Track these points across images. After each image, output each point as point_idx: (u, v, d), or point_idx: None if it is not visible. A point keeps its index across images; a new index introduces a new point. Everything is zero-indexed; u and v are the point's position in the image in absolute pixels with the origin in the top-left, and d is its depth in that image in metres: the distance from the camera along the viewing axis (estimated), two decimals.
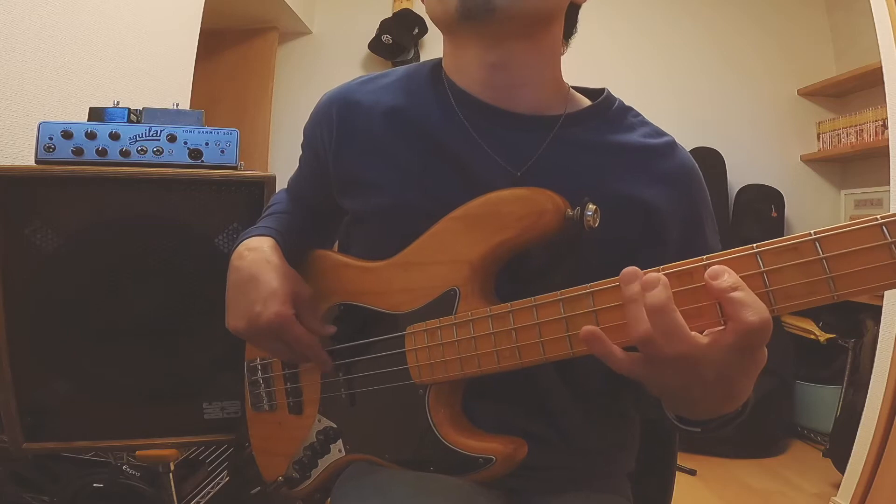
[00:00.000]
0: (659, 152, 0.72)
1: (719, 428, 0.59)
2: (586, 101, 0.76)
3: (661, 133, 0.75)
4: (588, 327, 0.51)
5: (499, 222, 0.63)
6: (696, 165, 0.74)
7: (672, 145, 0.74)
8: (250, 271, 0.73)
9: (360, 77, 0.80)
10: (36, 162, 0.99)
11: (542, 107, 0.72)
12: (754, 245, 0.47)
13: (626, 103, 0.77)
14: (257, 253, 0.75)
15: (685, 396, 0.53)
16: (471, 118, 0.71)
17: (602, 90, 0.77)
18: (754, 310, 0.44)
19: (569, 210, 0.60)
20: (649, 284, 0.48)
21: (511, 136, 0.71)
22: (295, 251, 0.80)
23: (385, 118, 0.74)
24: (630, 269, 0.50)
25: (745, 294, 0.45)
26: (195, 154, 1.03)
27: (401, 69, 0.80)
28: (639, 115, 0.77)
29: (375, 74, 0.80)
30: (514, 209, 0.62)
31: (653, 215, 0.69)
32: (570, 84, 0.77)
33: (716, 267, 0.47)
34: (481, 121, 0.71)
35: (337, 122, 0.76)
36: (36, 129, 0.99)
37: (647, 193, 0.69)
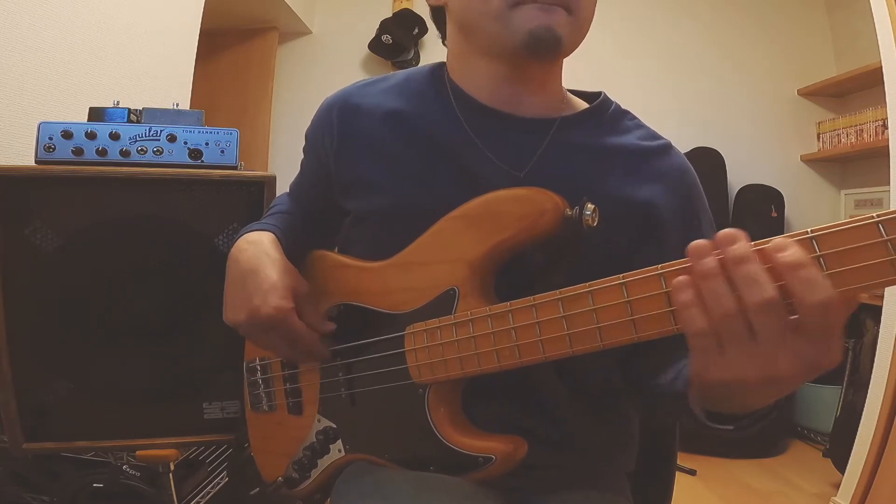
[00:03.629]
0: (654, 153, 0.73)
1: (752, 425, 0.56)
2: (583, 104, 0.77)
3: (657, 136, 0.76)
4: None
5: (498, 222, 0.63)
6: (692, 167, 0.75)
7: (668, 147, 0.75)
8: (250, 264, 0.73)
9: (361, 81, 0.81)
10: (36, 162, 0.99)
11: (540, 110, 0.73)
12: (751, 244, 0.47)
13: (627, 103, 0.78)
14: (257, 246, 0.75)
15: (752, 391, 0.48)
16: (470, 120, 0.72)
17: (599, 93, 0.77)
18: (818, 288, 0.41)
19: (567, 210, 0.60)
20: (728, 239, 0.45)
21: (509, 138, 0.71)
22: (295, 251, 0.80)
23: (385, 120, 0.74)
24: (700, 243, 0.46)
25: (809, 271, 0.42)
26: (195, 154, 1.03)
27: (401, 73, 0.81)
28: (635, 118, 0.77)
29: (375, 78, 0.81)
30: (513, 209, 0.62)
31: (651, 214, 0.69)
32: (568, 87, 0.78)
33: (780, 240, 0.44)
34: (480, 123, 0.72)
35: (337, 125, 0.76)
36: (36, 129, 0.99)
37: (644, 193, 0.70)
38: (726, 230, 0.46)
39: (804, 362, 0.44)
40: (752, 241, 0.47)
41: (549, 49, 0.65)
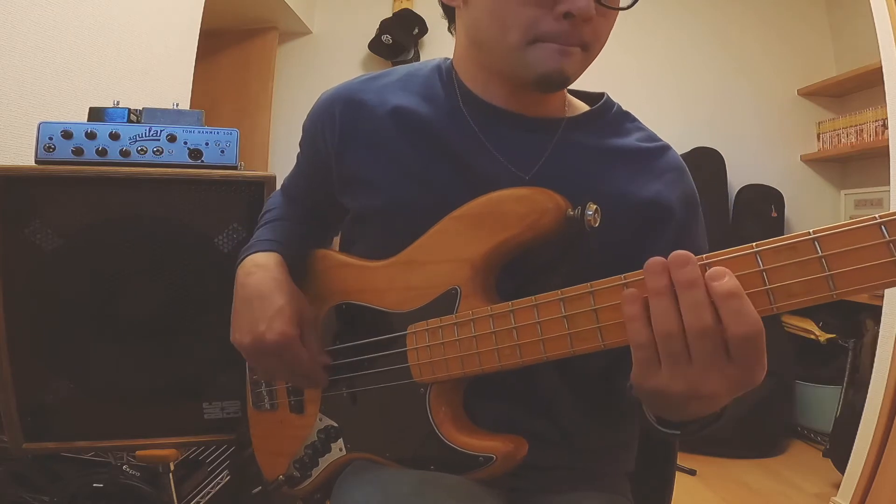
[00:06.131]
0: (654, 154, 0.75)
1: (698, 431, 0.58)
2: (584, 106, 0.78)
3: (655, 138, 0.78)
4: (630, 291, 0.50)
5: (500, 222, 0.63)
6: (687, 169, 0.77)
7: (665, 148, 0.77)
8: (258, 289, 0.73)
9: (361, 76, 0.80)
10: (36, 162, 0.99)
11: (546, 110, 0.74)
12: (753, 244, 0.47)
13: (628, 103, 0.79)
14: (265, 271, 0.75)
15: (678, 402, 0.51)
16: (478, 119, 0.72)
17: (601, 95, 0.79)
18: (744, 320, 0.44)
19: (570, 210, 0.60)
20: (680, 261, 0.47)
21: (517, 138, 0.72)
22: (297, 261, 0.80)
23: (390, 117, 0.74)
24: (656, 260, 0.48)
25: (739, 303, 0.45)
26: (195, 154, 1.03)
27: (402, 68, 0.80)
28: (636, 120, 0.79)
29: (376, 73, 0.80)
30: (515, 209, 0.62)
31: (654, 211, 0.71)
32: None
33: (718, 268, 0.46)
34: (488, 122, 0.72)
35: (340, 120, 0.76)
36: (36, 129, 0.99)
37: (647, 191, 0.71)
38: (678, 252, 0.47)
39: (730, 383, 0.47)
40: (752, 241, 0.47)
41: (557, 88, 0.68)
